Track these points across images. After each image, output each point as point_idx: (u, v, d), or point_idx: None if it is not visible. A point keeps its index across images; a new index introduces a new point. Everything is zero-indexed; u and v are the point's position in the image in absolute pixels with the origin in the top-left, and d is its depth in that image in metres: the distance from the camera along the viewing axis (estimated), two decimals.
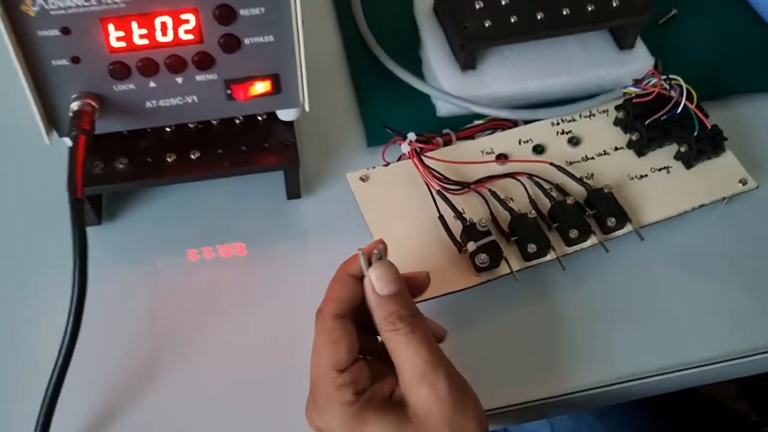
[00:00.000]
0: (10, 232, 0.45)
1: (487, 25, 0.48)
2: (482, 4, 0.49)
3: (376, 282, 0.33)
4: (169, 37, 0.39)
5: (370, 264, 0.33)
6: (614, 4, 0.49)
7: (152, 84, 0.40)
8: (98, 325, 0.38)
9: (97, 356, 0.40)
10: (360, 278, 0.33)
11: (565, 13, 0.49)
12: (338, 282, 0.33)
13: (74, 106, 0.39)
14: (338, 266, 0.34)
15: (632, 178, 0.45)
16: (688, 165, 0.46)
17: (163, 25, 0.38)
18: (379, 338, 0.34)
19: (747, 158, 0.48)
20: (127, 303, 0.42)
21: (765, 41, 0.56)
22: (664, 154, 0.46)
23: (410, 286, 0.35)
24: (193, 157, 0.43)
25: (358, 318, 0.33)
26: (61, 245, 0.43)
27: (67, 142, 0.42)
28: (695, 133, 0.45)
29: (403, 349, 0.32)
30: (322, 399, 0.32)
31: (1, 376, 0.40)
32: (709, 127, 0.45)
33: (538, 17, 0.49)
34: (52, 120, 0.40)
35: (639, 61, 0.51)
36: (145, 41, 0.39)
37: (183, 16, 0.38)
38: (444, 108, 0.50)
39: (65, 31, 0.37)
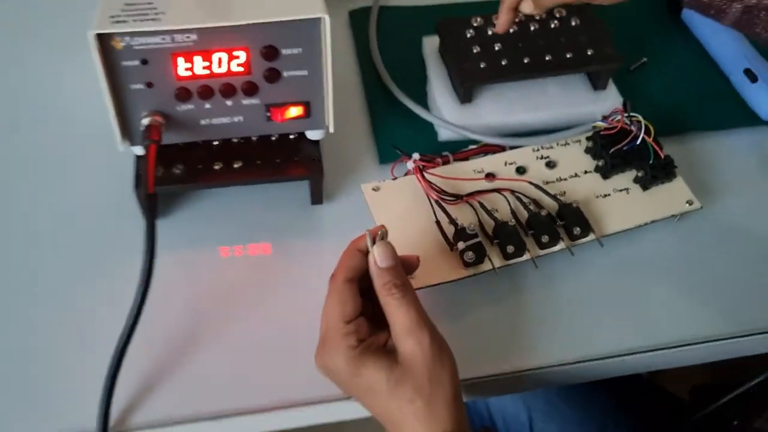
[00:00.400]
0: (81, 218, 0.55)
1: (482, 66, 0.58)
2: (479, 49, 0.59)
3: (378, 257, 0.42)
4: (224, 69, 0.48)
5: (374, 243, 0.42)
6: (589, 53, 0.59)
7: (207, 106, 0.50)
8: (149, 300, 0.46)
9: (146, 324, 0.48)
10: (365, 253, 0.43)
11: (547, 58, 0.59)
12: (348, 254, 0.43)
13: (145, 121, 0.49)
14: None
15: (597, 197, 0.54)
16: (644, 187, 0.55)
17: (220, 59, 0.48)
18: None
19: (697, 184, 0.57)
20: (171, 286, 0.50)
21: (720, 87, 0.65)
22: (625, 178, 0.55)
23: (404, 265, 0.44)
24: (235, 166, 0.53)
25: (361, 286, 0.43)
26: (122, 232, 0.53)
27: (137, 150, 0.52)
28: (651, 162, 0.54)
29: (396, 310, 0.41)
30: (331, 344, 0.41)
31: (80, 336, 0.49)
32: (662, 157, 0.55)
33: (525, 61, 0.59)
34: (125, 132, 0.50)
35: (609, 100, 0.60)
36: (205, 72, 0.48)
37: (236, 53, 0.48)
38: (444, 134, 0.60)
39: (144, 62, 0.47)
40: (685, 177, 0.56)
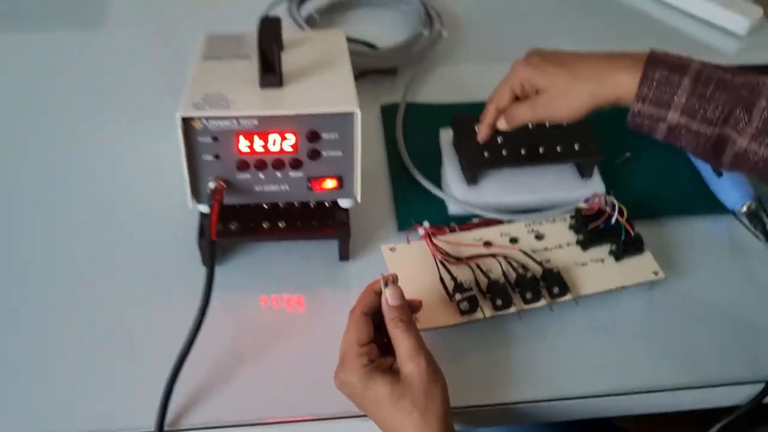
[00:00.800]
0: (150, 259, 0.67)
1: (486, 155, 0.71)
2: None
3: (389, 296, 0.53)
4: (276, 148, 0.61)
5: (386, 285, 0.54)
6: (576, 148, 0.71)
7: (261, 176, 0.63)
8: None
9: (199, 346, 0.59)
10: (379, 293, 0.54)
11: (541, 150, 0.71)
12: (365, 293, 0.54)
13: (211, 185, 0.62)
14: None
15: (576, 265, 0.65)
16: (617, 258, 0.65)
17: (274, 140, 0.61)
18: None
19: (667, 260, 0.67)
20: (217, 322, 0.59)
21: (692, 180, 0.76)
22: (601, 250, 0.66)
23: (409, 305, 0.55)
24: (280, 225, 0.65)
25: (374, 322, 0.54)
26: (181, 273, 0.65)
27: (201, 208, 0.64)
28: (622, 237, 0.65)
29: (401, 339, 0.52)
30: (347, 363, 0.52)
31: (144, 351, 0.60)
32: (632, 234, 0.65)
33: (522, 152, 0.71)
34: (194, 192, 0.63)
35: (594, 187, 0.72)
36: (261, 149, 0.61)
37: (287, 135, 0.61)
38: (453, 209, 0.71)
39: (214, 139, 0.60)
40: (657, 253, 0.67)
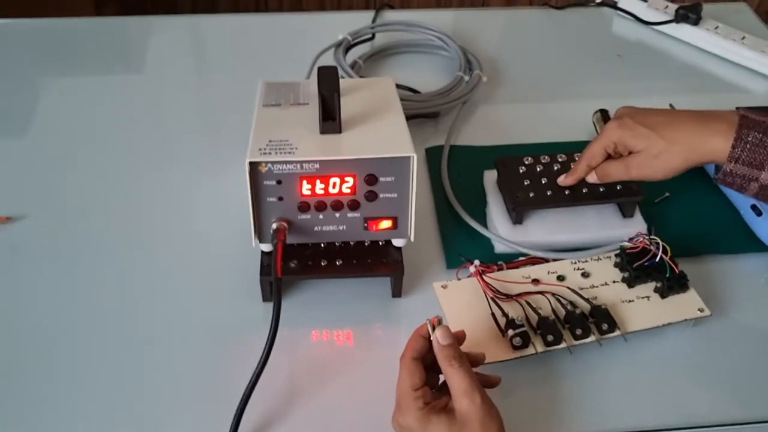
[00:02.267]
0: (212, 300, 0.70)
1: (531, 196, 0.74)
2: (528, 182, 0.74)
3: (440, 337, 0.56)
4: (336, 190, 0.65)
5: (434, 329, 0.56)
6: (618, 188, 0.74)
7: (320, 216, 0.66)
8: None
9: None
10: (427, 337, 0.56)
11: (584, 191, 0.74)
12: (414, 339, 0.57)
13: (274, 225, 0.65)
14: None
15: (623, 302, 0.67)
16: (662, 296, 0.68)
17: (334, 183, 0.64)
18: (440, 377, 0.56)
19: (710, 297, 0.69)
20: (274, 358, 0.60)
21: (731, 219, 0.78)
22: (646, 288, 0.68)
23: (471, 359, 0.57)
24: (337, 263, 0.68)
25: (424, 363, 0.56)
26: (242, 309, 0.68)
27: (264, 247, 0.68)
28: (667, 275, 0.67)
29: (455, 376, 0.54)
30: (404, 407, 0.54)
31: (209, 384, 0.63)
32: (677, 271, 0.68)
33: (566, 193, 0.74)
34: (258, 232, 0.66)
35: (636, 226, 0.74)
36: (322, 191, 0.65)
37: (346, 179, 0.64)
38: (499, 247, 0.74)
39: (278, 182, 0.64)
40: (699, 290, 0.69)
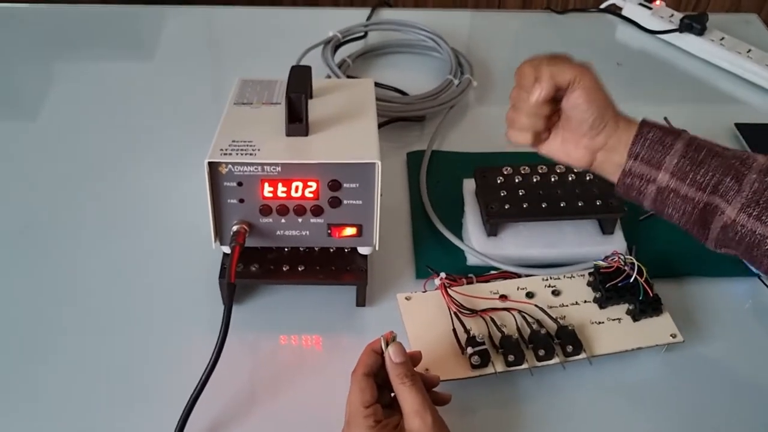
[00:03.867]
0: (174, 299, 0.69)
1: (507, 207, 0.71)
2: (505, 193, 0.72)
3: (393, 354, 0.54)
4: (299, 194, 0.63)
5: (387, 345, 0.54)
6: (597, 203, 0.71)
7: (283, 220, 0.64)
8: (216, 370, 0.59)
9: (212, 385, 0.60)
10: (379, 352, 0.54)
11: (562, 204, 0.71)
12: (366, 354, 0.55)
13: (234, 228, 0.64)
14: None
15: (592, 323, 0.65)
16: (635, 319, 0.65)
17: (297, 187, 0.62)
18: (391, 393, 0.54)
19: (688, 322, 0.67)
20: (235, 360, 0.62)
21: None
22: (619, 309, 0.66)
23: (425, 380, 0.55)
24: (299, 269, 0.67)
25: (376, 380, 0.54)
26: (202, 311, 0.66)
27: (224, 249, 0.66)
28: (640, 298, 0.65)
29: (406, 395, 0.52)
30: (354, 425, 0.52)
31: (161, 382, 0.62)
32: (651, 294, 0.65)
33: (543, 206, 0.71)
34: (218, 234, 0.65)
35: (615, 243, 0.71)
36: (284, 195, 0.63)
37: (309, 183, 0.62)
38: (472, 260, 0.72)
39: (239, 184, 0.62)
40: (677, 314, 0.66)
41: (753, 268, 0.72)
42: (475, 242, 0.72)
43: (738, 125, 0.91)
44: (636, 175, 0.57)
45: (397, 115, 0.88)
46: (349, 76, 0.94)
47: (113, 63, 1.00)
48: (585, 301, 0.66)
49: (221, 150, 0.61)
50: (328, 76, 0.93)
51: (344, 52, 0.98)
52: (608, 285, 0.65)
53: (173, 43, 1.04)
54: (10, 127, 0.89)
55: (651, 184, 0.57)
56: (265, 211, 0.63)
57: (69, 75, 0.97)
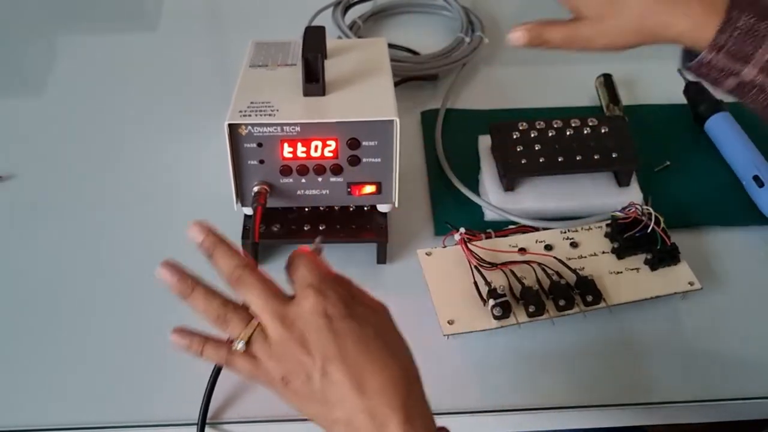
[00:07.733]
0: (196, 261, 0.70)
1: (523, 162, 0.72)
2: (522, 148, 0.72)
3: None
4: (318, 154, 0.63)
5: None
6: (613, 156, 0.71)
7: (303, 180, 0.65)
8: None
9: None
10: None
11: (578, 158, 0.72)
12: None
13: (256, 189, 0.64)
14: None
15: (611, 273, 0.65)
16: (653, 268, 0.66)
17: (316, 146, 0.63)
18: None
19: (705, 270, 0.67)
20: None
21: (733, 190, 0.75)
22: (636, 259, 0.66)
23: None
24: (321, 228, 0.68)
25: None
26: None
27: (246, 211, 0.67)
28: (658, 247, 0.65)
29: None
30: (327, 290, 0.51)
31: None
32: (669, 243, 0.66)
33: (560, 160, 0.72)
34: (239, 195, 0.66)
35: (631, 195, 0.72)
36: (304, 155, 0.63)
37: (328, 142, 0.63)
38: (489, 215, 0.73)
39: (259, 144, 0.63)
40: (694, 264, 0.66)
41: None
42: (493, 197, 0.73)
43: None
44: (715, 68, 0.50)
45: (409, 74, 0.88)
46: (359, 38, 0.94)
47: (118, 35, 1.00)
48: (603, 252, 0.67)
49: (240, 112, 0.62)
50: (339, 38, 0.93)
51: (354, 13, 0.98)
52: (626, 235, 0.66)
53: (177, 10, 1.04)
54: (19, 103, 0.90)
55: (732, 78, 0.50)
56: (286, 171, 0.64)
57: (73, 49, 0.97)
